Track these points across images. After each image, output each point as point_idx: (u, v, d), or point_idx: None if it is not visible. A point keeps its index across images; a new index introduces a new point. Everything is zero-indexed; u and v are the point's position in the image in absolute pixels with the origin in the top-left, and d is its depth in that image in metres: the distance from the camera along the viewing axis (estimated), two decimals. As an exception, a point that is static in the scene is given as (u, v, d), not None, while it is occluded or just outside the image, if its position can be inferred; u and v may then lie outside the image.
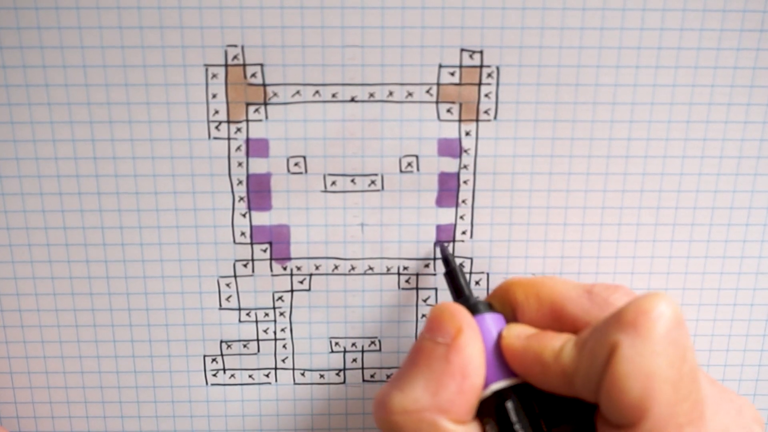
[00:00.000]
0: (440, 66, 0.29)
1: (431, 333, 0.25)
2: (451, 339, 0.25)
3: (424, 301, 0.32)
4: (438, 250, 0.31)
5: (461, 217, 0.31)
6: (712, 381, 0.26)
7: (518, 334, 0.25)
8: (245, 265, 0.31)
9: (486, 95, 0.29)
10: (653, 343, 0.22)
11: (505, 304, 0.27)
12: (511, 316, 0.27)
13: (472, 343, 0.25)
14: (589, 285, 0.26)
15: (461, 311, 0.25)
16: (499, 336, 0.25)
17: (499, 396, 0.25)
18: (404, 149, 0.30)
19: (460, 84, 0.29)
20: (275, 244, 0.31)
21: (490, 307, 0.27)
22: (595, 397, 0.23)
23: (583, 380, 0.23)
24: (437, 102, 0.29)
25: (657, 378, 0.22)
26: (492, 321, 0.26)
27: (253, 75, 0.29)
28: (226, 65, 0.29)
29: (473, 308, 0.26)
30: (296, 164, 0.30)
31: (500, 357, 0.25)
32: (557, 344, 0.24)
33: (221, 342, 0.32)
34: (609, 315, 0.23)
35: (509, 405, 0.24)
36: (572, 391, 0.24)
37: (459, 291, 0.28)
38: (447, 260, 0.30)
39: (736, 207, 0.31)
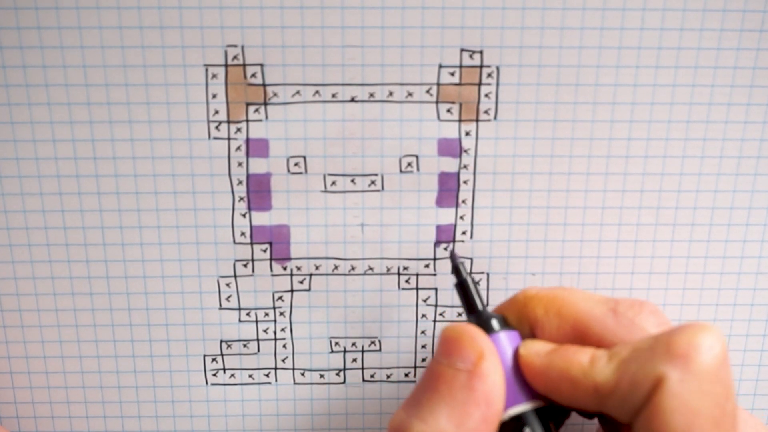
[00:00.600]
0: (440, 66, 0.29)
1: (449, 358, 0.24)
2: (473, 365, 0.24)
3: (424, 301, 0.32)
4: (449, 258, 0.30)
5: (461, 218, 0.31)
6: None
7: (537, 351, 0.24)
8: (245, 265, 0.31)
9: (486, 95, 0.29)
10: (701, 381, 0.22)
11: (522, 318, 0.26)
12: (528, 331, 0.26)
13: (495, 369, 0.24)
14: (613, 302, 0.25)
15: (479, 334, 0.24)
16: (515, 354, 0.25)
17: (517, 420, 0.24)
18: (404, 149, 0.30)
19: (460, 84, 0.29)
20: (275, 244, 0.31)
21: (504, 321, 0.26)
22: (630, 419, 0.23)
23: (620, 402, 0.23)
24: (437, 102, 0.29)
25: (701, 416, 0.21)
26: (507, 339, 0.25)
27: (253, 75, 0.29)
28: (226, 65, 0.29)
29: (487, 325, 0.25)
30: (296, 164, 0.30)
31: (517, 378, 0.24)
32: (585, 359, 0.23)
33: (221, 342, 0.32)
34: (655, 341, 0.23)
35: (528, 431, 0.24)
36: (602, 409, 0.23)
37: (471, 305, 0.27)
38: (458, 270, 0.28)
39: (736, 207, 0.31)
